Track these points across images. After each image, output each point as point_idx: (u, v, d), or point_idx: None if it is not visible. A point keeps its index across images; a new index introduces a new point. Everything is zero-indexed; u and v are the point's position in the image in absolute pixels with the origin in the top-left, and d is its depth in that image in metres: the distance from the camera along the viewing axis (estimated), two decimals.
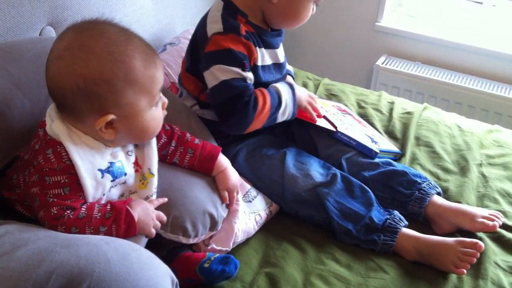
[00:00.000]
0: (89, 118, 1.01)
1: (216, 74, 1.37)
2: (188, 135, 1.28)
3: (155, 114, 1.09)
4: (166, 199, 1.16)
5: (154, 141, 1.17)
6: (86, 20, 1.04)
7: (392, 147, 1.69)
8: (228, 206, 1.30)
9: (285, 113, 1.46)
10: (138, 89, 1.02)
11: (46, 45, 1.28)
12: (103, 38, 1.00)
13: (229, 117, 1.38)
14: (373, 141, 1.61)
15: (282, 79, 1.56)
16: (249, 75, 1.40)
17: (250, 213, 1.35)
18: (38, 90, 1.19)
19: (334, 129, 1.54)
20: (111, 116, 1.00)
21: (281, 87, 1.46)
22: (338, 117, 1.66)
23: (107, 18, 1.06)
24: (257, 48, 1.44)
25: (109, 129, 1.02)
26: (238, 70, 1.37)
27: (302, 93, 1.55)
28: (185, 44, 1.80)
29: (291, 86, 1.49)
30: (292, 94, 1.48)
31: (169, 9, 2.01)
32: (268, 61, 1.51)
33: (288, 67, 1.71)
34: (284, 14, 1.46)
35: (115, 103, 1.00)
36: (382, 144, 1.65)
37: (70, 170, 1.00)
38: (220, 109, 1.41)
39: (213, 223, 1.23)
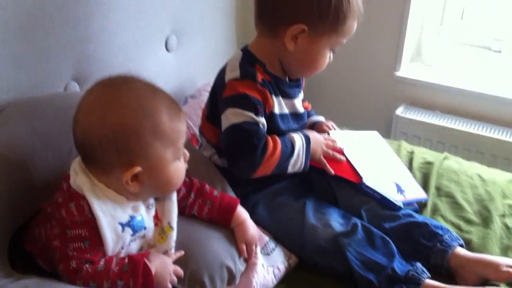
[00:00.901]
0: (116, 170, 1.03)
1: (229, 117, 1.39)
2: (207, 186, 1.29)
3: (179, 167, 1.11)
4: (183, 252, 1.15)
5: (174, 194, 1.18)
6: (113, 76, 1.08)
7: (419, 194, 1.65)
8: (246, 260, 1.29)
9: (296, 164, 1.46)
10: (165, 141, 1.05)
11: (70, 100, 1.31)
12: (131, 92, 1.04)
13: (238, 159, 1.39)
14: (399, 189, 1.59)
15: (300, 129, 1.57)
16: (262, 120, 1.41)
17: (268, 266, 1.34)
18: (61, 144, 1.22)
19: (358, 180, 1.52)
20: (138, 168, 1.03)
21: (297, 137, 1.47)
22: (365, 158, 1.62)
23: (133, 73, 1.10)
24: (273, 96, 1.46)
25: (134, 182, 1.04)
26: (251, 114, 1.38)
27: (318, 144, 1.54)
28: (205, 96, 1.83)
29: (307, 139, 1.50)
30: (307, 146, 1.48)
31: (190, 62, 2.05)
32: (286, 110, 1.52)
33: (320, 118, 1.73)
34: (301, 63, 1.47)
35: (143, 155, 1.03)
36: (409, 192, 1.61)
37: (92, 224, 1.02)
38: (229, 150, 1.42)
39: (231, 277, 1.22)
